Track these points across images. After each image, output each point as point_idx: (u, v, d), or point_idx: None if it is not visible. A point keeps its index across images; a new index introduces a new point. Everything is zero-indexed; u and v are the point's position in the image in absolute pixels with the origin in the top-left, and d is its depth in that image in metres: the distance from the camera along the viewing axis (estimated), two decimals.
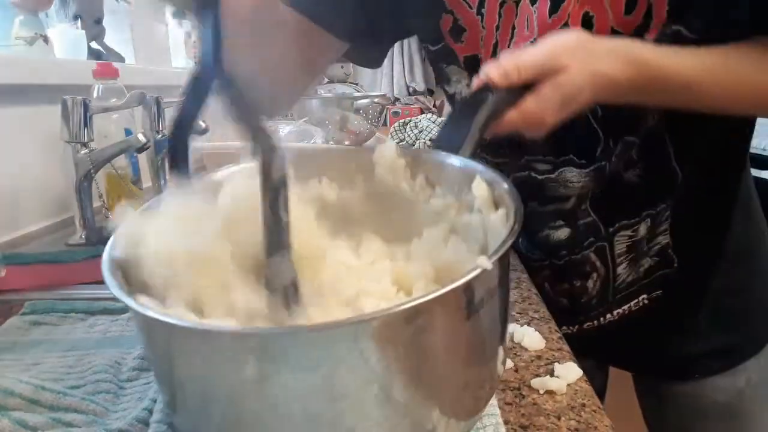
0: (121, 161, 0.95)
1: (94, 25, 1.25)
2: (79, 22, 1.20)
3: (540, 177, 0.63)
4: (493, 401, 0.40)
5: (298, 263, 0.30)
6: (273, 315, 0.29)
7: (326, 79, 2.44)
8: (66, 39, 1.14)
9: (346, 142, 1.43)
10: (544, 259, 0.69)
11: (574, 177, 0.62)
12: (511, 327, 0.51)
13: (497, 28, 0.59)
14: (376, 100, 1.73)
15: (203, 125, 1.05)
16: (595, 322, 0.69)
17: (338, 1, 0.63)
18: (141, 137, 0.81)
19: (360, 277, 0.36)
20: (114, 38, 1.39)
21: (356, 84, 2.57)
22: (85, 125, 0.80)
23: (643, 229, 0.63)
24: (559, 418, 0.39)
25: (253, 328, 0.29)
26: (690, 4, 0.51)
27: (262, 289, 0.30)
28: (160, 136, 1.04)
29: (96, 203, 0.88)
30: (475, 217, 0.37)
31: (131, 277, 0.32)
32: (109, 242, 0.32)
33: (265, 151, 0.27)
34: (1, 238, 0.82)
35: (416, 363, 0.27)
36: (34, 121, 0.90)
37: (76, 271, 0.68)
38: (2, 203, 0.83)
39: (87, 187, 0.83)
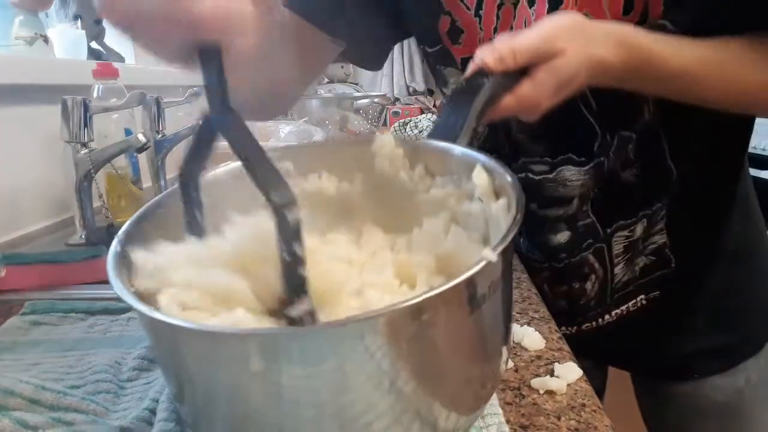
0: (121, 161, 0.95)
1: (94, 25, 1.25)
2: (79, 22, 1.20)
3: (537, 178, 0.63)
4: (495, 401, 0.40)
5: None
6: None
7: (326, 79, 2.44)
8: (66, 39, 1.14)
9: None
10: (544, 261, 0.69)
11: (573, 176, 0.62)
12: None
13: (495, 30, 0.59)
14: (376, 100, 1.73)
15: None
16: (594, 323, 0.69)
17: (335, 2, 0.63)
18: (141, 137, 0.81)
19: (362, 270, 0.36)
20: (114, 38, 1.39)
21: (356, 84, 2.57)
22: (85, 125, 0.80)
23: (639, 229, 0.63)
24: (559, 418, 0.39)
25: (257, 329, 0.28)
26: (684, 3, 0.51)
27: (281, 322, 0.30)
28: (160, 136, 1.04)
29: (96, 203, 0.88)
30: (476, 206, 0.37)
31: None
32: (113, 244, 0.32)
33: (282, 205, 0.26)
34: (1, 238, 0.82)
35: (422, 357, 0.27)
36: (34, 121, 0.90)
37: (76, 271, 0.68)
38: (2, 203, 0.83)
39: (87, 187, 0.83)
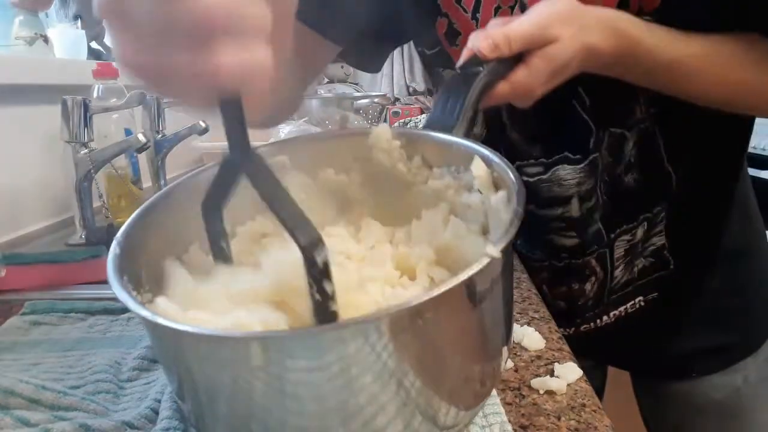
0: (121, 161, 0.95)
1: (94, 25, 1.25)
2: (79, 22, 1.20)
3: (532, 180, 0.63)
4: (496, 400, 0.40)
5: None
6: None
7: (326, 79, 2.44)
8: (66, 39, 1.14)
9: None
10: (544, 260, 0.69)
11: (567, 175, 0.62)
12: None
13: None
14: (376, 100, 1.73)
15: (203, 125, 1.05)
16: (592, 324, 0.69)
17: (333, 5, 0.63)
18: (141, 137, 0.81)
19: (362, 263, 0.36)
20: None
21: (356, 84, 2.57)
22: (85, 125, 0.80)
23: (640, 233, 0.63)
24: (559, 418, 0.39)
25: (258, 332, 0.28)
26: (680, 3, 0.51)
27: None
28: (160, 136, 1.04)
29: (96, 203, 0.88)
30: (475, 197, 0.37)
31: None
32: (112, 247, 0.32)
33: (310, 246, 0.26)
34: (1, 238, 0.83)
35: (425, 354, 0.27)
36: (34, 121, 0.90)
37: (76, 271, 0.68)
38: (2, 203, 0.83)
39: (87, 187, 0.83)
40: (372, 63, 0.75)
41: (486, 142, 0.59)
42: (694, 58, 0.51)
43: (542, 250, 0.68)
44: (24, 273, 0.66)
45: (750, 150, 0.68)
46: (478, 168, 0.36)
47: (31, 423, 0.36)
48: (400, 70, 2.96)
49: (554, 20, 0.46)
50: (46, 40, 1.00)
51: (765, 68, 0.52)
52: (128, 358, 0.47)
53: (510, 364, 0.46)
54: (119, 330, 0.54)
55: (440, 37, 0.62)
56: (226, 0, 0.22)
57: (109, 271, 0.30)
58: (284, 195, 0.27)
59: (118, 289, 0.28)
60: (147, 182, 1.07)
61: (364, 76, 2.94)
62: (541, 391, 0.42)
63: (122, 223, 0.35)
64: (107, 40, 1.32)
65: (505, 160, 0.35)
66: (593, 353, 0.71)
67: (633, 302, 0.67)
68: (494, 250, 0.27)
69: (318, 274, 0.27)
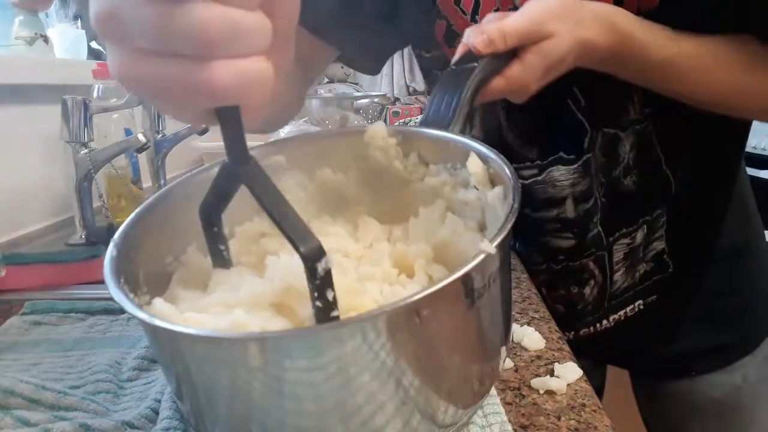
0: (121, 161, 0.95)
1: None
2: (79, 22, 1.20)
3: (527, 182, 0.63)
4: (496, 400, 0.40)
5: None
6: None
7: (326, 79, 2.44)
8: (66, 39, 1.14)
9: None
10: (542, 262, 0.69)
11: (561, 176, 0.62)
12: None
13: None
14: (376, 100, 1.73)
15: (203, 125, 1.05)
16: (591, 328, 0.69)
17: (332, 9, 0.63)
18: (141, 137, 0.81)
19: (360, 261, 0.36)
20: None
21: (356, 84, 2.57)
22: (85, 125, 0.80)
23: (639, 237, 0.63)
24: (559, 418, 0.39)
25: (255, 333, 0.28)
26: (678, 2, 0.51)
27: None
28: (160, 136, 1.04)
29: (96, 203, 0.88)
30: (471, 194, 0.37)
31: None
32: (110, 248, 0.32)
33: (312, 257, 0.26)
34: (1, 238, 0.83)
35: (422, 352, 0.27)
36: (34, 121, 0.90)
37: (76, 271, 0.68)
38: (2, 203, 0.83)
39: (87, 187, 0.83)
40: (371, 66, 0.74)
41: None
42: (686, 58, 0.51)
43: (539, 252, 0.68)
44: (24, 273, 0.66)
45: (749, 150, 0.69)
46: (474, 164, 0.36)
47: (31, 423, 0.36)
48: (400, 70, 2.96)
49: (549, 16, 0.46)
50: (46, 39, 1.00)
51: (756, 70, 0.52)
52: (128, 358, 0.47)
53: (510, 363, 0.46)
54: (119, 330, 0.54)
55: (439, 40, 0.62)
56: (224, 11, 0.22)
57: (106, 273, 0.30)
58: (283, 204, 0.27)
59: (115, 292, 0.28)
60: (147, 182, 1.07)
61: (364, 76, 2.94)
62: (541, 391, 0.42)
63: (122, 222, 0.35)
64: None
65: (501, 156, 0.35)
66: (592, 354, 0.71)
67: (633, 306, 0.67)
68: (489, 246, 0.27)
69: (319, 282, 0.27)
